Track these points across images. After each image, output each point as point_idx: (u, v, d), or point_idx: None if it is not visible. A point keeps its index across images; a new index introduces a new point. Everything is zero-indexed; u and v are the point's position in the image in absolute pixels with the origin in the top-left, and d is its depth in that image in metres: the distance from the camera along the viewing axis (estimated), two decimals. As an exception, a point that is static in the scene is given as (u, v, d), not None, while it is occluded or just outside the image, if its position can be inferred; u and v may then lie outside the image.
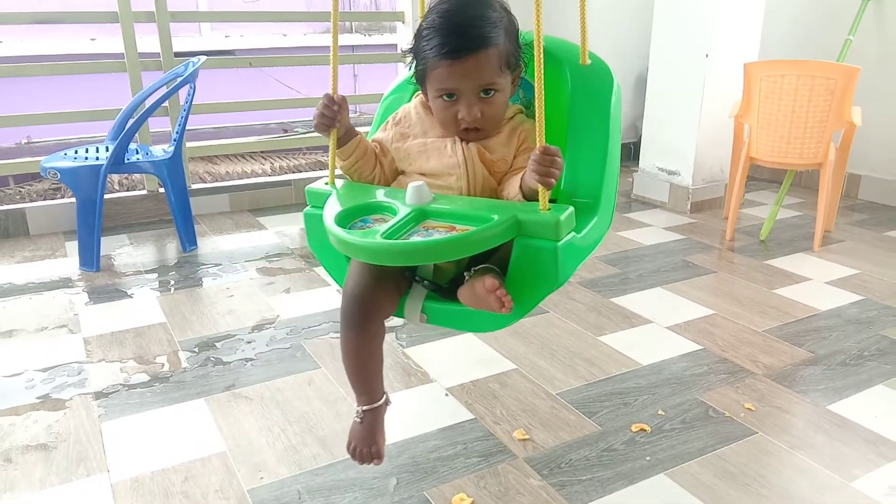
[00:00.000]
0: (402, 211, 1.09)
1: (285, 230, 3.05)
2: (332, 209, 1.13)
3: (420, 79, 1.24)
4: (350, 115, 1.23)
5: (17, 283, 2.47)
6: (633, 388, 1.78)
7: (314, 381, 1.80)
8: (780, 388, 1.77)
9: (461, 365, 1.89)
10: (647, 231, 3.03)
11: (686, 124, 3.23)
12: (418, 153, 1.25)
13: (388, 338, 1.97)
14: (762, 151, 2.75)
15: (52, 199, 4.20)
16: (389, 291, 1.20)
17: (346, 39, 7.40)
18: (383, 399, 1.25)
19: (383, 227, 1.05)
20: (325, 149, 5.86)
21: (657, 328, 2.11)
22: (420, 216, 1.09)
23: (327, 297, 2.33)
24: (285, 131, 6.52)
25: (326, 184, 1.25)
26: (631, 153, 4.39)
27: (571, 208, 1.09)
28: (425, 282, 1.20)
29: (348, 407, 1.69)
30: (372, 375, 1.23)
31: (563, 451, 1.53)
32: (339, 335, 1.20)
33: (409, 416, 1.66)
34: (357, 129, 1.25)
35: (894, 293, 2.35)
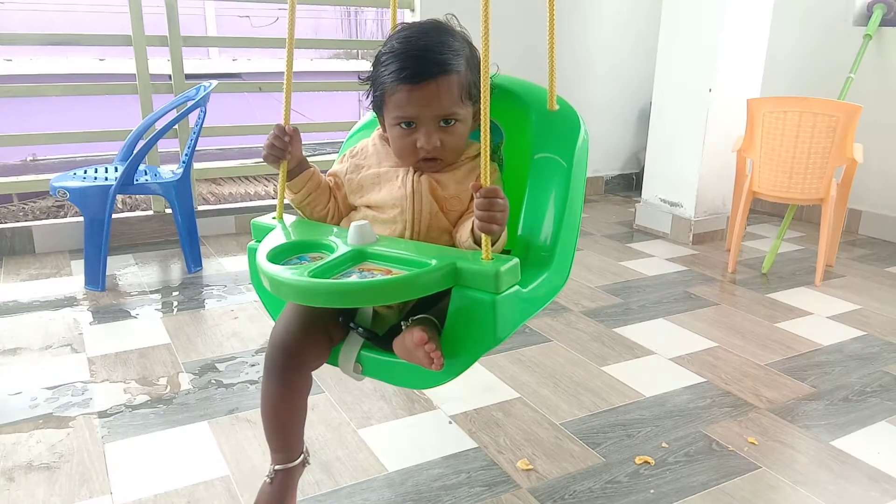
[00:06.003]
0: (340, 250, 1.05)
1: (290, 253, 3.06)
2: (269, 244, 1.09)
3: (378, 107, 1.20)
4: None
5: (23, 300, 2.47)
6: (637, 420, 1.78)
7: (318, 406, 1.81)
8: (783, 423, 1.78)
9: (465, 392, 1.89)
10: (649, 261, 3.04)
11: (689, 157, 3.27)
12: (371, 184, 1.22)
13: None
14: (764, 186, 2.78)
15: (56, 216, 4.22)
16: (319, 341, 1.13)
17: (353, 66, 7.51)
18: (300, 458, 1.19)
19: (315, 265, 1.00)
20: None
21: (660, 359, 2.12)
22: (358, 257, 1.05)
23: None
24: (289, 154, 6.59)
25: (274, 218, 1.22)
26: (633, 184, 4.43)
27: (516, 260, 1.02)
28: (360, 329, 1.14)
29: (352, 433, 1.69)
30: (291, 431, 1.17)
31: (566, 483, 1.53)
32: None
33: (413, 443, 1.66)
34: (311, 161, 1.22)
35: (895, 329, 2.37)
